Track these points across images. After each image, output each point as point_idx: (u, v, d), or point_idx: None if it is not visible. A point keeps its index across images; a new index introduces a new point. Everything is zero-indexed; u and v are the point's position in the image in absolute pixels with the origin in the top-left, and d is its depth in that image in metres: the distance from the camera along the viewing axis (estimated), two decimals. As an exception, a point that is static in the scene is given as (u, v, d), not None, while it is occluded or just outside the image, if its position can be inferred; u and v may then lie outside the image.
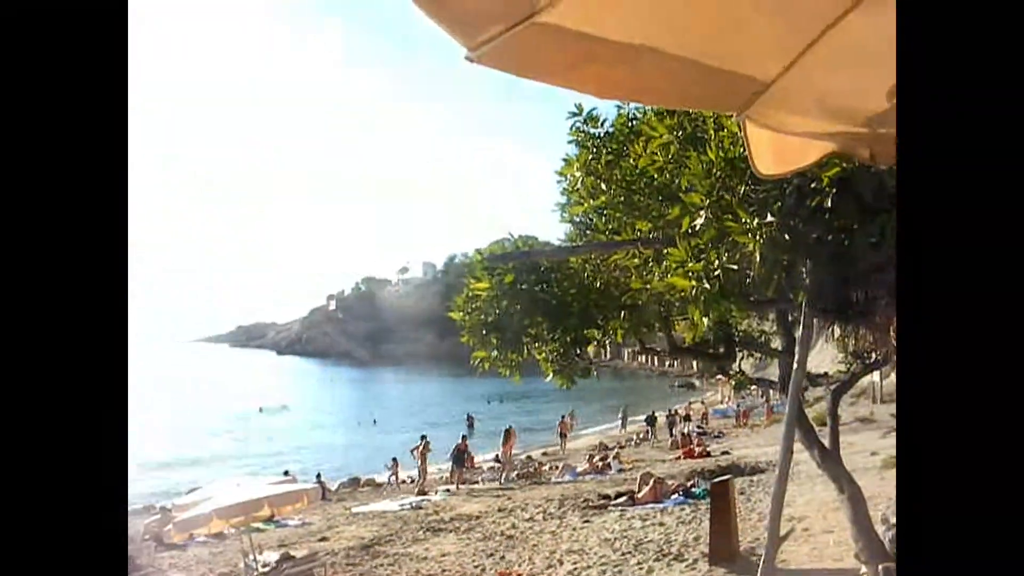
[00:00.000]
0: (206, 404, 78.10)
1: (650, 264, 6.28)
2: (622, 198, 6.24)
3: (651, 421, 44.88)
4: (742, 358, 8.91)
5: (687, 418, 43.45)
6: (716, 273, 4.82)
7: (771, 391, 45.91)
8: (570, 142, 7.15)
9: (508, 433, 31.15)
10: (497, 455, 32.27)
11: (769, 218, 4.93)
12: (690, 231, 5.04)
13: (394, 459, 32.72)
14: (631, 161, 6.29)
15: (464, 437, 30.55)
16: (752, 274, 5.06)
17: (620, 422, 50.01)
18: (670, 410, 48.37)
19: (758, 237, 4.74)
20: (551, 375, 7.59)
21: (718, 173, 5.01)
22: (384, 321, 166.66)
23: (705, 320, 5.00)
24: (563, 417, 43.80)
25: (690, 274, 4.92)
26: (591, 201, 6.62)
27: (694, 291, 4.90)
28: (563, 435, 41.10)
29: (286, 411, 72.17)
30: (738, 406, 46.52)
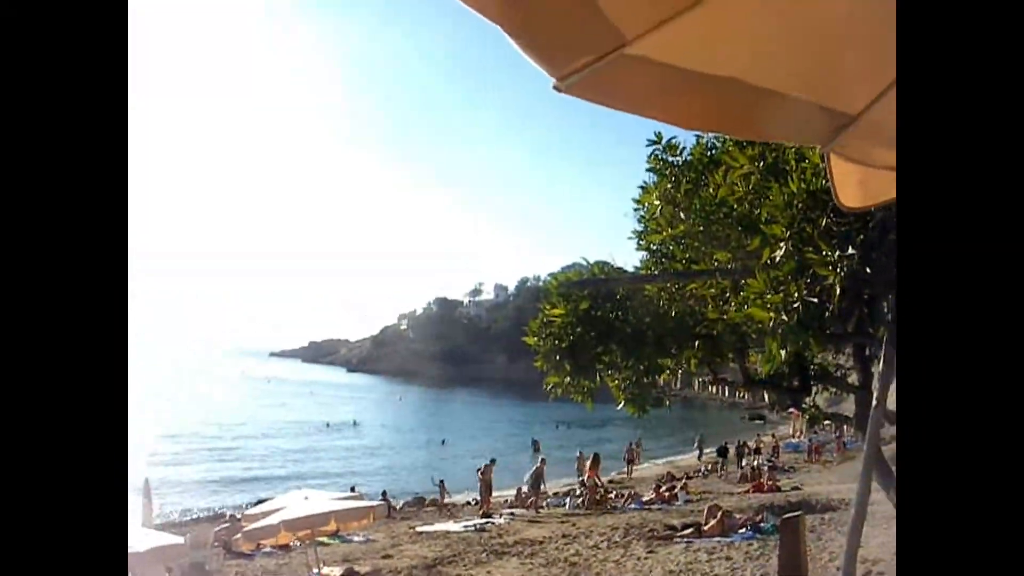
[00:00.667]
0: (276, 417, 79.39)
1: (727, 294, 6.22)
2: (701, 228, 6.20)
3: (722, 452, 44.32)
4: (816, 392, 8.73)
5: (757, 451, 42.67)
6: (795, 306, 4.76)
7: (845, 427, 44.94)
8: (648, 170, 7.15)
9: (595, 458, 30.99)
10: (582, 479, 32.06)
11: (851, 251, 4.85)
12: (770, 262, 4.99)
13: (441, 480, 33.87)
14: (710, 191, 6.25)
15: (543, 461, 30.46)
16: (832, 307, 4.98)
17: (697, 450, 49.41)
18: (740, 442, 47.60)
19: (839, 270, 4.67)
20: (623, 403, 7.54)
21: (799, 204, 4.96)
22: (455, 342, 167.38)
23: (782, 353, 4.94)
24: (631, 444, 43.49)
25: (769, 306, 4.86)
26: (669, 230, 6.59)
27: (772, 323, 4.84)
28: (630, 462, 40.77)
29: (356, 427, 72.90)
30: (810, 441, 45.45)
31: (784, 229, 4.87)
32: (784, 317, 4.78)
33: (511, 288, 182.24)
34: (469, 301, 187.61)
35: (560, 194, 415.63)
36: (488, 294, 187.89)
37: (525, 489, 29.75)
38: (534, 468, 29.14)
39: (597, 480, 30.40)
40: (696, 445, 50.34)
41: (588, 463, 30.91)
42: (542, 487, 29.65)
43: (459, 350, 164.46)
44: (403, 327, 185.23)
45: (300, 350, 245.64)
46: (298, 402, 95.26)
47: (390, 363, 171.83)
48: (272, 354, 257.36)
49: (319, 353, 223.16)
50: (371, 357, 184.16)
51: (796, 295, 4.78)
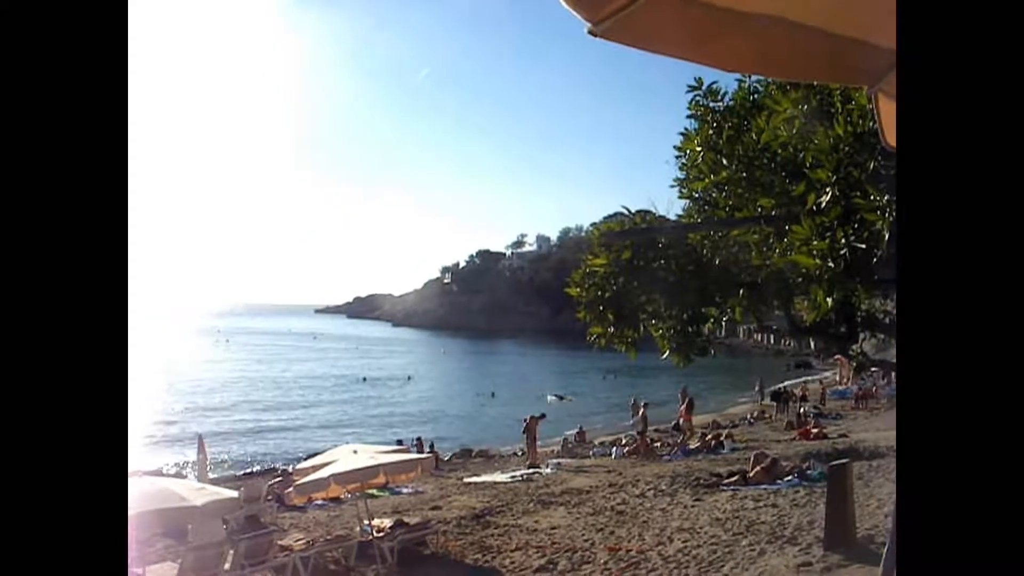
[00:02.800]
0: (324, 371, 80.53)
1: (771, 241, 6.10)
2: (744, 174, 6.07)
3: (777, 396, 44.05)
4: (863, 339, 8.59)
5: (803, 398, 42.41)
6: (842, 252, 4.65)
7: (893, 373, 44.50)
8: (689, 116, 7.03)
9: (690, 403, 32.41)
10: (677, 422, 32.99)
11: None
12: (815, 208, 4.87)
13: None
14: (753, 136, 6.12)
15: (645, 404, 31.00)
16: (880, 253, 4.85)
17: (758, 393, 48.99)
18: (786, 389, 47.39)
19: (887, 215, 4.53)
20: (667, 353, 7.50)
21: (846, 148, 4.82)
22: (498, 294, 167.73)
23: (829, 301, 4.85)
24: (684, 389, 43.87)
25: (815, 253, 4.75)
26: (711, 177, 6.46)
27: (819, 271, 4.74)
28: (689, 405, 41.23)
29: (410, 382, 73.54)
30: (857, 387, 45.08)
31: (830, 173, 4.73)
32: (831, 264, 4.67)
33: (553, 239, 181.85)
34: (511, 253, 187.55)
35: (600, 142, 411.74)
36: (531, 245, 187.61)
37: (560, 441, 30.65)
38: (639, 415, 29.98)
39: (691, 424, 31.72)
40: (757, 387, 49.85)
41: (683, 407, 32.24)
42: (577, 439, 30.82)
43: (502, 302, 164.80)
44: (446, 280, 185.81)
45: (344, 306, 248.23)
46: (343, 358, 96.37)
47: (434, 316, 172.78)
48: (317, 310, 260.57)
49: (364, 308, 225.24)
50: (415, 311, 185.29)
51: (843, 241, 4.66)
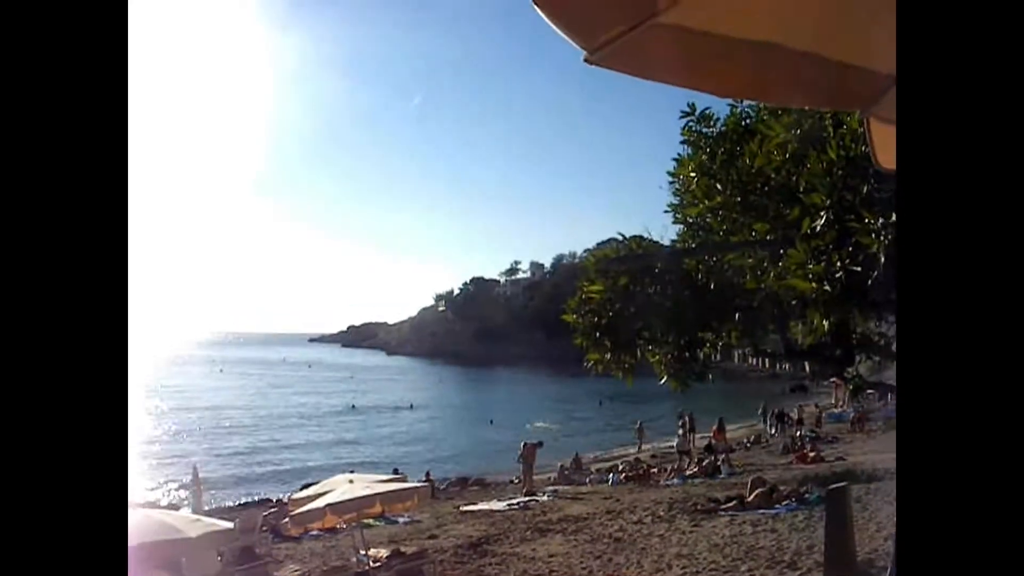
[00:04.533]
0: (318, 400, 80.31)
1: (766, 265, 6.12)
2: (738, 198, 6.11)
3: (780, 418, 44.12)
4: (859, 361, 8.60)
5: (800, 422, 42.31)
6: (838, 275, 4.66)
7: (889, 395, 44.47)
8: (682, 142, 7.07)
9: (720, 422, 34.23)
10: (709, 442, 33.84)
11: (894, 217, 4.71)
12: (810, 232, 4.89)
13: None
14: (746, 161, 6.16)
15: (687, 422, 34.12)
16: (875, 275, 4.86)
17: (762, 417, 48.85)
18: (778, 411, 47.30)
19: (882, 238, 4.55)
20: (665, 378, 7.49)
21: (839, 172, 4.85)
22: (493, 321, 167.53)
23: (825, 324, 4.86)
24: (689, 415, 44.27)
25: (811, 276, 4.77)
26: (706, 202, 6.50)
27: (815, 294, 4.75)
28: (692, 430, 41.79)
29: (408, 410, 73.16)
30: (853, 411, 44.97)
31: (824, 197, 4.76)
32: (827, 287, 4.68)
33: (547, 265, 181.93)
34: (505, 280, 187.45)
35: (594, 169, 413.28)
36: (524, 272, 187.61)
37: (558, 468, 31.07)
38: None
39: (726, 442, 33.03)
40: (760, 412, 49.70)
41: (715, 428, 34.22)
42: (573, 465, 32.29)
43: (497, 329, 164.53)
44: (440, 308, 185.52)
45: (339, 335, 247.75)
46: (339, 387, 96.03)
47: (429, 345, 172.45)
48: (311, 339, 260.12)
49: (358, 337, 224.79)
50: (410, 339, 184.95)
51: (838, 264, 4.68)
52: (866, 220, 4.61)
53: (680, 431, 34.05)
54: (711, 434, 34.47)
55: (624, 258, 6.73)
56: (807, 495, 18.51)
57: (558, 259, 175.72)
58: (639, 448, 42.20)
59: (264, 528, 19.98)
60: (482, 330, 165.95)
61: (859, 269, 4.77)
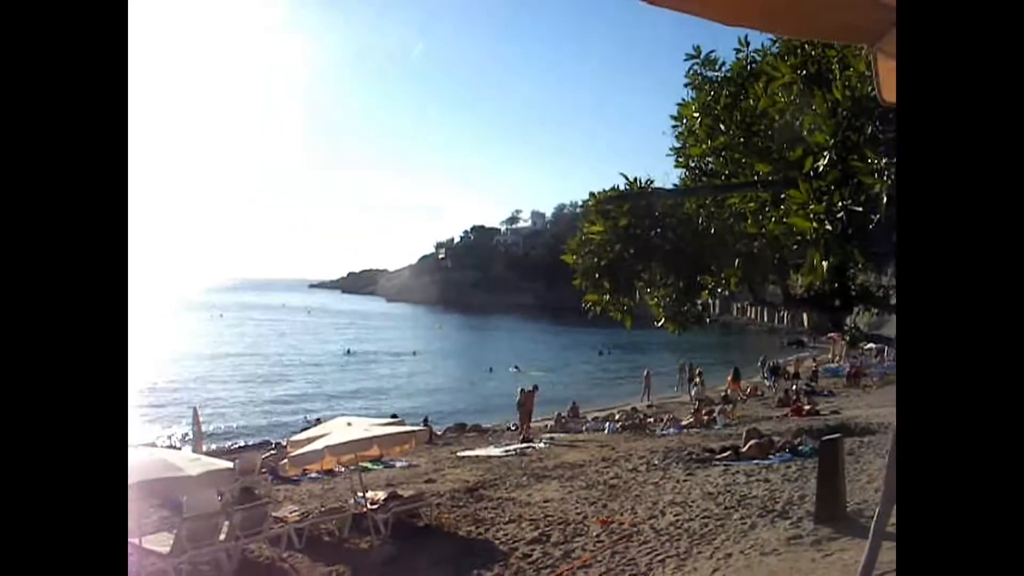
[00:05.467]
0: (317, 346, 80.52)
1: (767, 209, 6.09)
2: (741, 139, 6.06)
3: (775, 371, 44.48)
4: (858, 313, 8.58)
5: (796, 375, 42.55)
6: (839, 215, 4.63)
7: (886, 349, 44.63)
8: (687, 85, 7.00)
9: (736, 373, 35.76)
10: (725, 392, 35.37)
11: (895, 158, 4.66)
12: (812, 172, 4.86)
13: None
14: (751, 102, 6.10)
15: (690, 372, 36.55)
16: (877, 216, 4.83)
17: (762, 371, 49.23)
18: (780, 365, 47.55)
19: (885, 178, 4.51)
20: (663, 321, 7.47)
21: (844, 112, 4.80)
22: (493, 270, 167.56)
23: (824, 264, 4.83)
24: (690, 365, 44.83)
25: (812, 216, 4.74)
26: (709, 142, 6.44)
27: (815, 234, 4.73)
28: (690, 380, 42.40)
29: (405, 356, 73.10)
30: (850, 365, 45.19)
31: (828, 137, 4.71)
32: (828, 227, 4.65)
33: (548, 215, 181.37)
34: (506, 229, 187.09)
35: (596, 118, 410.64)
36: (525, 221, 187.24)
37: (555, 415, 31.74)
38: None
39: (742, 391, 34.17)
40: (760, 366, 49.94)
41: (730, 378, 35.62)
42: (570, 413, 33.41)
43: (497, 278, 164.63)
44: (441, 256, 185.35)
45: (339, 281, 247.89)
46: (336, 333, 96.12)
47: (429, 292, 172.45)
48: (311, 285, 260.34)
49: (358, 284, 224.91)
50: (409, 287, 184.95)
51: (840, 204, 4.64)
52: (869, 160, 4.56)
53: (698, 380, 35.07)
54: (727, 384, 35.79)
55: (625, 195, 6.66)
56: (801, 447, 18.65)
57: (559, 209, 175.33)
58: (646, 396, 42.63)
59: (263, 470, 20.16)
60: (482, 279, 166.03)
61: (860, 209, 4.74)
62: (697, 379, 35.22)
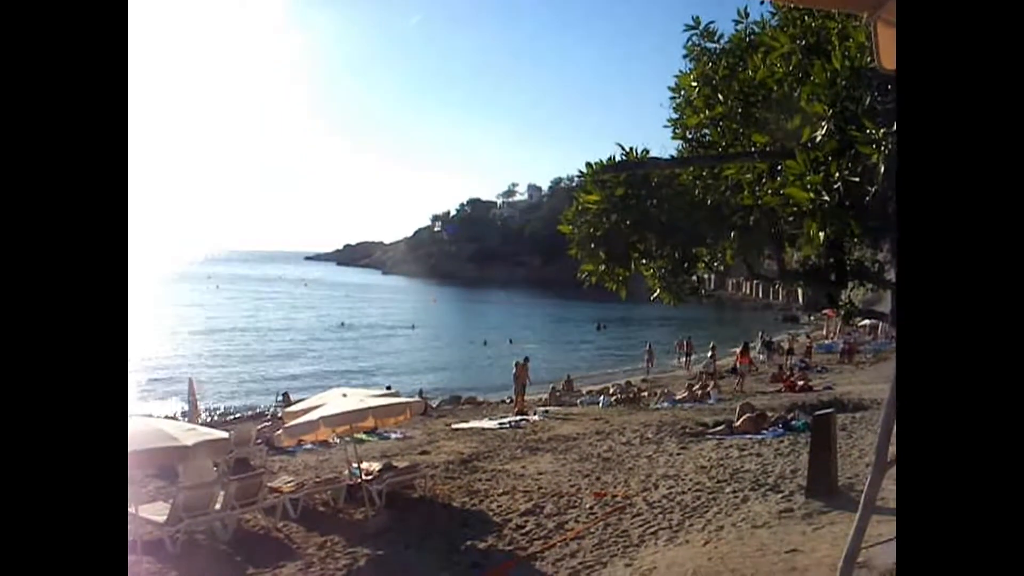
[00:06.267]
0: (313, 317, 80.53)
1: (764, 181, 6.07)
2: (739, 109, 6.03)
3: (768, 346, 44.82)
4: (852, 288, 8.58)
5: (790, 351, 42.68)
6: (836, 186, 4.61)
7: (880, 326, 44.72)
8: (684, 56, 6.96)
9: (745, 347, 35.24)
10: (734, 366, 35.57)
11: (895, 128, 4.64)
12: (810, 143, 4.84)
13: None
14: (749, 73, 6.07)
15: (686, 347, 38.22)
16: (874, 188, 4.81)
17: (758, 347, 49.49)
18: (770, 341, 47.69)
19: (883, 148, 4.48)
20: (658, 292, 7.46)
21: (843, 83, 4.78)
22: (489, 243, 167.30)
23: (821, 235, 4.82)
24: (688, 340, 46.02)
25: (809, 186, 4.72)
26: (706, 112, 6.41)
27: (812, 204, 4.71)
28: (688, 355, 44.24)
29: (399, 330, 73.04)
30: (844, 341, 45.32)
31: (826, 107, 4.69)
32: (825, 197, 4.64)
33: (544, 188, 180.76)
34: (502, 202, 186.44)
35: (595, 94, 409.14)
36: (522, 195, 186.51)
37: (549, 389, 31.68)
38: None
39: (751, 364, 34.20)
40: (759, 340, 50.16)
41: (739, 351, 35.11)
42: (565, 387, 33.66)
43: (493, 251, 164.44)
44: (437, 229, 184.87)
45: (334, 253, 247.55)
46: (332, 305, 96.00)
47: (425, 265, 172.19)
48: (307, 257, 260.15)
49: (354, 256, 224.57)
50: (405, 259, 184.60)
51: (837, 175, 4.62)
52: (868, 130, 4.54)
53: (712, 354, 36.39)
54: (735, 357, 35.83)
55: (622, 164, 6.60)
56: (793, 421, 18.75)
57: (556, 182, 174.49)
58: (649, 369, 43.35)
59: (259, 441, 20.22)
60: (478, 251, 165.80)
61: (858, 180, 4.72)
62: (711, 352, 36.43)
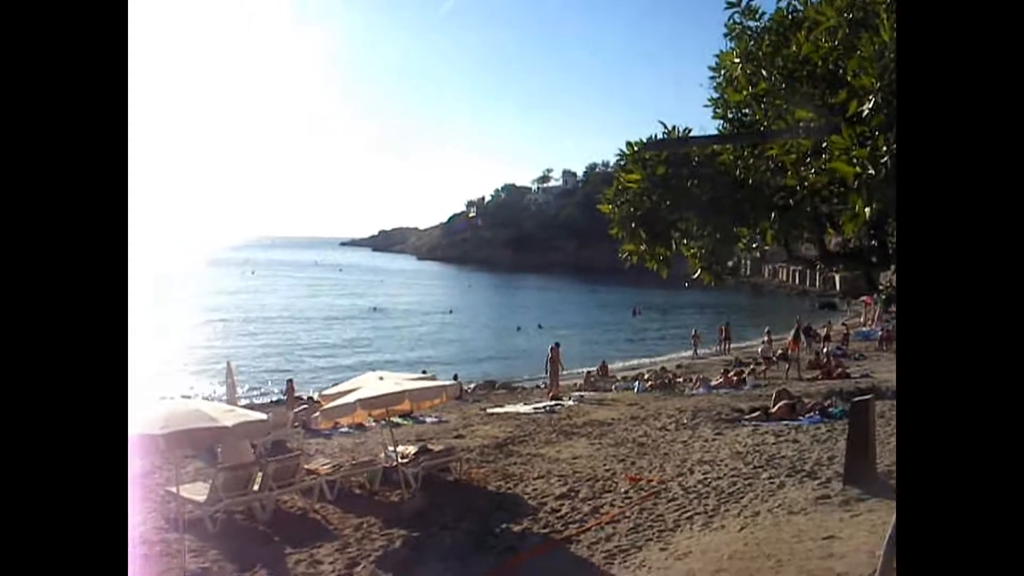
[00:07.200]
0: (348, 302, 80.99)
1: (808, 160, 5.98)
2: (783, 85, 5.93)
3: (806, 333, 44.47)
4: (893, 272, 8.45)
5: (827, 338, 42.21)
6: (884, 160, 4.51)
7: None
8: (725, 35, 6.86)
9: (796, 332, 35.20)
10: (784, 352, 35.21)
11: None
12: (856, 117, 4.75)
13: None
14: (793, 49, 5.98)
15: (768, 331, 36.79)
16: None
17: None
18: (809, 328, 47.28)
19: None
20: (699, 272, 7.40)
21: (891, 55, 4.67)
22: (523, 229, 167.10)
23: (867, 211, 4.73)
24: (726, 324, 46.71)
25: (855, 161, 4.64)
26: (749, 89, 6.31)
27: (857, 179, 4.63)
28: (727, 339, 44.97)
29: (435, 315, 73.20)
30: (881, 329, 44.72)
31: (874, 80, 4.60)
32: (871, 171, 4.55)
33: (580, 174, 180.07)
34: (537, 188, 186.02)
35: (630, 77, 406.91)
36: (557, 180, 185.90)
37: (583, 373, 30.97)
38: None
39: (799, 352, 33.50)
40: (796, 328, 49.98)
41: (791, 338, 35.14)
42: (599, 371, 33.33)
43: (528, 237, 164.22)
44: (471, 214, 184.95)
45: (369, 239, 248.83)
46: (368, 290, 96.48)
47: (459, 251, 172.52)
48: (342, 243, 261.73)
49: (388, 241, 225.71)
50: (440, 245, 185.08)
51: (884, 148, 4.53)
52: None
53: (765, 338, 35.36)
54: (787, 344, 35.65)
55: (662, 143, 6.53)
56: (831, 408, 18.61)
57: (591, 168, 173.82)
58: (695, 353, 43.99)
59: (295, 424, 20.42)
60: (513, 237, 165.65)
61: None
62: (766, 337, 35.57)
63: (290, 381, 29.56)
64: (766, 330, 37.58)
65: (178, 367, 39.20)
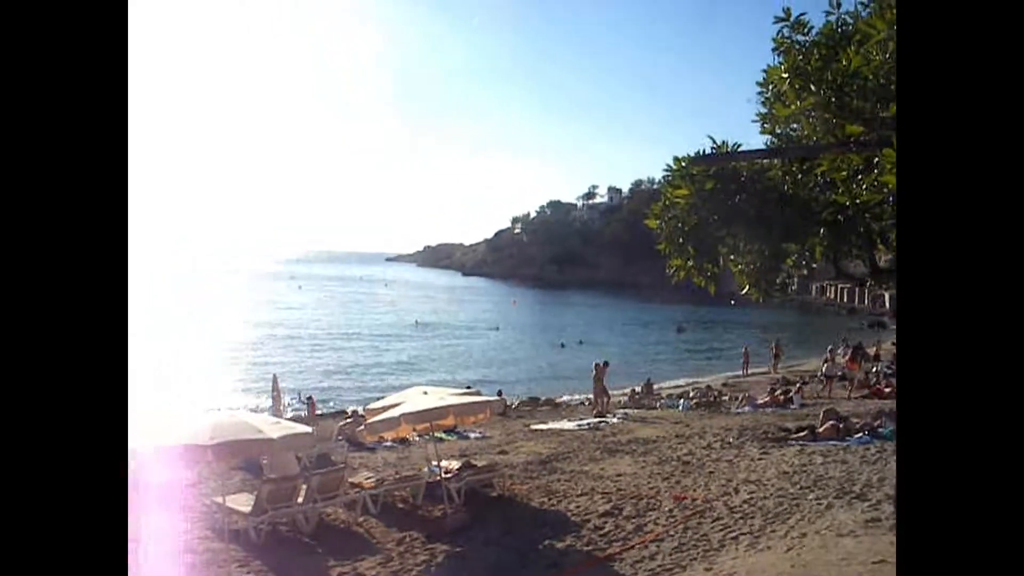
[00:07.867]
0: (394, 318, 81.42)
1: (859, 176, 5.90)
2: (832, 99, 5.86)
3: (859, 350, 43.82)
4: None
5: (876, 357, 41.52)
6: (936, 174, 4.43)
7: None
8: (774, 50, 6.80)
9: (855, 352, 35.20)
10: (842, 371, 34.66)
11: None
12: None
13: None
14: (843, 63, 5.90)
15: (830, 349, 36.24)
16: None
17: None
18: (860, 346, 46.54)
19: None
20: (747, 288, 7.33)
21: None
22: (568, 245, 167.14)
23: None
24: (777, 342, 46.30)
25: (907, 176, 4.56)
26: (798, 103, 6.25)
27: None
28: (776, 356, 44.25)
29: (482, 331, 73.29)
30: (934, 348, 43.91)
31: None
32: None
33: (625, 191, 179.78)
34: (582, 204, 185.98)
35: (677, 93, 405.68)
36: (602, 197, 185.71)
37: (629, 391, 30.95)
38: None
39: (859, 371, 33.40)
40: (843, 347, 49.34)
41: (848, 357, 34.92)
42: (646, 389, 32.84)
43: (573, 253, 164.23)
44: (517, 230, 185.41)
45: (415, 254, 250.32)
46: (414, 306, 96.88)
47: (505, 266, 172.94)
48: (388, 259, 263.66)
49: (434, 257, 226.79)
50: (485, 260, 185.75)
51: (937, 162, 4.45)
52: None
53: (828, 356, 34.95)
54: (845, 363, 35.22)
55: (710, 157, 6.47)
56: (880, 428, 18.27)
57: (636, 184, 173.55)
58: (745, 371, 43.61)
59: (339, 437, 20.54)
60: (558, 254, 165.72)
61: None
62: (827, 355, 35.11)
63: (311, 398, 29.87)
64: (828, 348, 37.03)
65: (224, 380, 39.62)
